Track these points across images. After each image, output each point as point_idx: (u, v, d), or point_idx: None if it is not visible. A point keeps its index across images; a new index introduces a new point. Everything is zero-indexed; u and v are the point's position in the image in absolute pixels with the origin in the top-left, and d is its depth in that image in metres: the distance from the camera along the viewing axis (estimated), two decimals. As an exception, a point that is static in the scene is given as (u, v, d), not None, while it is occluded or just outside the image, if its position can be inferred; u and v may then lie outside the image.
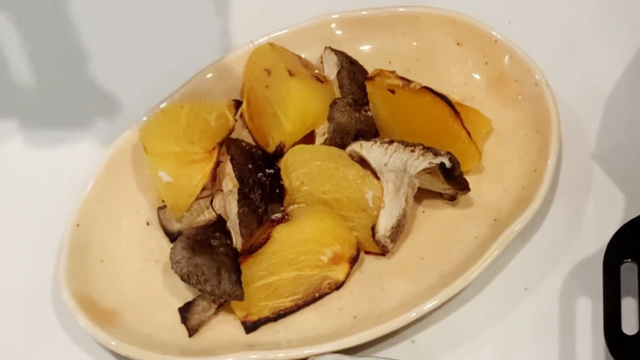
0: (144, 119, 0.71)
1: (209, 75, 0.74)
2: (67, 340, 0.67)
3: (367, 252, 0.67)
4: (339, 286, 0.66)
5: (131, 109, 0.75)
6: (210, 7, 0.82)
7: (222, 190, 0.68)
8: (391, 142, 0.67)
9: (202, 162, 0.69)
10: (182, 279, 0.65)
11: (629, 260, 0.61)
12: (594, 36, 0.75)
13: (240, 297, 0.64)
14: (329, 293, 0.66)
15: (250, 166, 0.68)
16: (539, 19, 0.77)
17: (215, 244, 0.66)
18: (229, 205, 0.67)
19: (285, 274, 0.65)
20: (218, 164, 0.69)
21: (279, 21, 0.76)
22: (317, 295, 0.66)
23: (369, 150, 0.67)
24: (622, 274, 0.61)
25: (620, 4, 0.76)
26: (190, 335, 0.65)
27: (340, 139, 0.69)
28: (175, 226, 0.69)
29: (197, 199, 0.69)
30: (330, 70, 0.72)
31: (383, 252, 0.66)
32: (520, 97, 0.70)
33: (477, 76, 0.73)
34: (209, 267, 0.64)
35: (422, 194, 0.68)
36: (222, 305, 0.66)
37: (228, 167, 0.68)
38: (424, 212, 0.68)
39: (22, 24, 0.84)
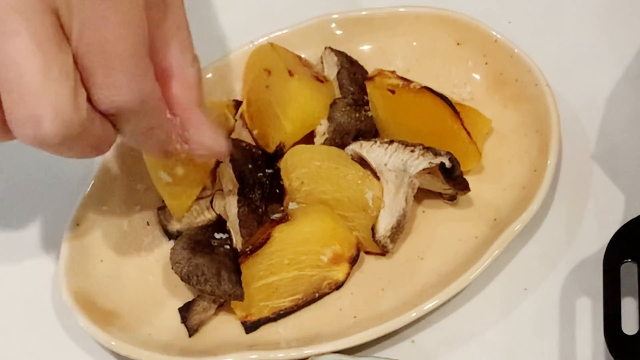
0: (144, 119, 0.71)
1: (209, 75, 0.74)
2: (67, 340, 0.67)
3: (367, 252, 0.67)
4: (339, 286, 0.66)
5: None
6: (210, 7, 0.82)
7: (222, 190, 0.68)
8: (391, 142, 0.67)
9: (202, 162, 0.69)
10: (182, 279, 0.65)
11: (629, 260, 0.61)
12: (594, 36, 0.75)
13: (240, 297, 0.64)
14: (329, 293, 0.66)
15: (250, 166, 0.68)
16: (539, 19, 0.77)
17: (215, 244, 0.66)
18: (229, 205, 0.67)
19: (285, 274, 0.65)
20: (218, 164, 0.69)
21: (279, 21, 0.76)
22: (317, 295, 0.66)
23: (369, 150, 0.67)
24: (622, 274, 0.61)
25: (620, 4, 0.76)
26: (190, 335, 0.65)
27: (340, 139, 0.69)
28: (175, 226, 0.69)
29: (197, 199, 0.69)
30: (330, 70, 0.72)
31: (383, 252, 0.66)
32: (520, 97, 0.70)
33: (477, 76, 0.73)
34: (209, 268, 0.64)
35: (422, 194, 0.68)
36: (222, 305, 0.66)
37: (228, 167, 0.68)
38: (424, 212, 0.68)
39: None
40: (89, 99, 0.53)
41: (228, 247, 0.66)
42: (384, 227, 0.66)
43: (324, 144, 0.69)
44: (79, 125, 0.52)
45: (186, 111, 0.59)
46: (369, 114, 0.70)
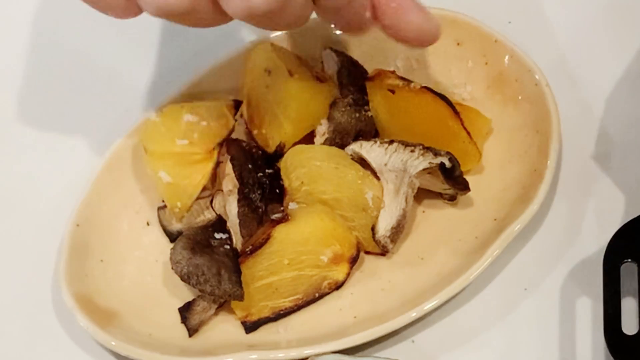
0: (144, 119, 0.71)
1: (209, 75, 0.74)
2: (67, 340, 0.67)
3: (367, 252, 0.67)
4: (339, 286, 0.66)
5: (131, 109, 0.75)
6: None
7: (222, 190, 0.68)
8: (391, 142, 0.67)
9: (202, 162, 0.69)
10: (182, 279, 0.65)
11: (629, 260, 0.61)
12: (594, 36, 0.75)
13: (240, 297, 0.64)
14: (329, 293, 0.66)
15: (250, 166, 0.68)
16: (539, 19, 0.77)
17: (215, 244, 0.66)
18: (229, 205, 0.67)
19: (285, 274, 0.65)
20: (218, 164, 0.69)
21: (279, 21, 0.76)
22: (317, 295, 0.66)
23: (369, 150, 0.67)
24: (622, 274, 0.61)
25: (620, 4, 0.76)
26: (190, 335, 0.65)
27: (340, 139, 0.69)
28: (175, 226, 0.69)
29: (197, 199, 0.69)
30: (330, 70, 0.72)
31: (383, 252, 0.66)
32: (520, 97, 0.70)
33: (477, 76, 0.73)
34: (209, 267, 0.64)
35: (422, 194, 0.68)
36: (222, 305, 0.66)
37: (228, 167, 0.68)
38: (424, 212, 0.68)
39: (22, 22, 0.84)
40: None
41: (228, 247, 0.66)
42: (384, 227, 0.66)
43: (324, 144, 0.69)
44: None
45: None
46: (369, 114, 0.70)
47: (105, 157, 0.71)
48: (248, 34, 0.76)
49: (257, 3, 0.55)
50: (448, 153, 0.65)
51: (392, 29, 0.61)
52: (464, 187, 0.66)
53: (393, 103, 0.69)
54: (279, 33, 0.75)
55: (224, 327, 0.66)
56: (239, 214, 0.66)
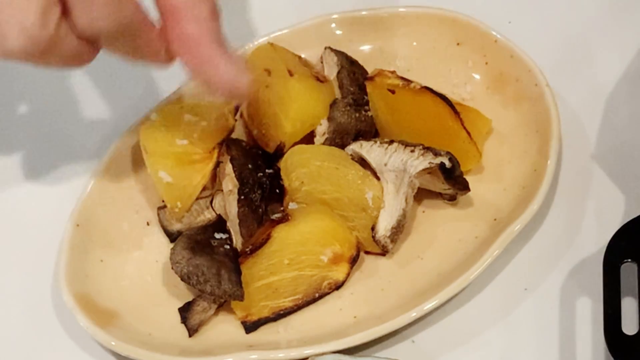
0: (144, 119, 0.71)
1: (209, 75, 0.74)
2: (67, 340, 0.67)
3: (367, 252, 0.67)
4: (339, 286, 0.66)
5: (131, 109, 0.75)
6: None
7: (222, 190, 0.68)
8: (391, 142, 0.67)
9: (202, 162, 0.69)
10: (182, 279, 0.65)
11: (629, 260, 0.61)
12: (594, 36, 0.75)
13: (240, 297, 0.64)
14: (329, 293, 0.66)
15: (250, 166, 0.68)
16: (539, 19, 0.77)
17: (215, 244, 0.66)
18: (229, 205, 0.67)
19: (285, 274, 0.65)
20: (218, 164, 0.69)
21: (279, 21, 0.76)
22: (317, 295, 0.66)
23: (369, 150, 0.67)
24: (622, 274, 0.61)
25: (620, 4, 0.76)
26: (190, 335, 0.65)
27: (340, 139, 0.69)
28: (175, 226, 0.69)
29: (197, 199, 0.69)
30: (330, 70, 0.72)
31: (383, 252, 0.66)
32: (520, 97, 0.70)
33: (477, 76, 0.73)
34: (209, 268, 0.64)
35: (422, 194, 0.68)
36: (222, 305, 0.66)
37: (228, 167, 0.68)
38: (424, 212, 0.68)
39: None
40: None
41: (228, 247, 0.66)
42: (384, 227, 0.66)
43: (324, 144, 0.69)
44: (46, 41, 0.52)
45: (196, 49, 0.57)
46: (369, 114, 0.70)
47: (105, 157, 0.71)
48: (248, 34, 0.75)
49: (11, 46, 0.51)
50: (448, 153, 0.65)
51: (204, 82, 0.59)
52: (464, 187, 0.66)
53: (393, 103, 0.69)
54: (279, 33, 0.75)
55: (224, 327, 0.66)
56: (239, 214, 0.66)
